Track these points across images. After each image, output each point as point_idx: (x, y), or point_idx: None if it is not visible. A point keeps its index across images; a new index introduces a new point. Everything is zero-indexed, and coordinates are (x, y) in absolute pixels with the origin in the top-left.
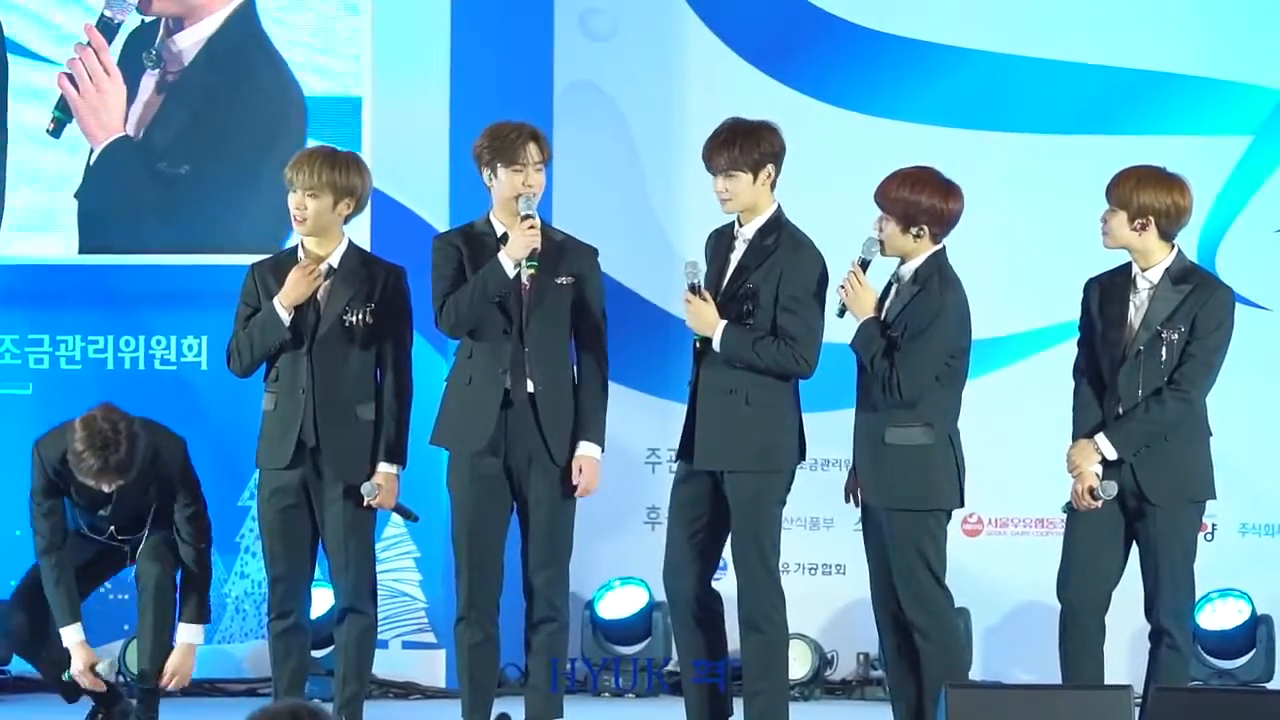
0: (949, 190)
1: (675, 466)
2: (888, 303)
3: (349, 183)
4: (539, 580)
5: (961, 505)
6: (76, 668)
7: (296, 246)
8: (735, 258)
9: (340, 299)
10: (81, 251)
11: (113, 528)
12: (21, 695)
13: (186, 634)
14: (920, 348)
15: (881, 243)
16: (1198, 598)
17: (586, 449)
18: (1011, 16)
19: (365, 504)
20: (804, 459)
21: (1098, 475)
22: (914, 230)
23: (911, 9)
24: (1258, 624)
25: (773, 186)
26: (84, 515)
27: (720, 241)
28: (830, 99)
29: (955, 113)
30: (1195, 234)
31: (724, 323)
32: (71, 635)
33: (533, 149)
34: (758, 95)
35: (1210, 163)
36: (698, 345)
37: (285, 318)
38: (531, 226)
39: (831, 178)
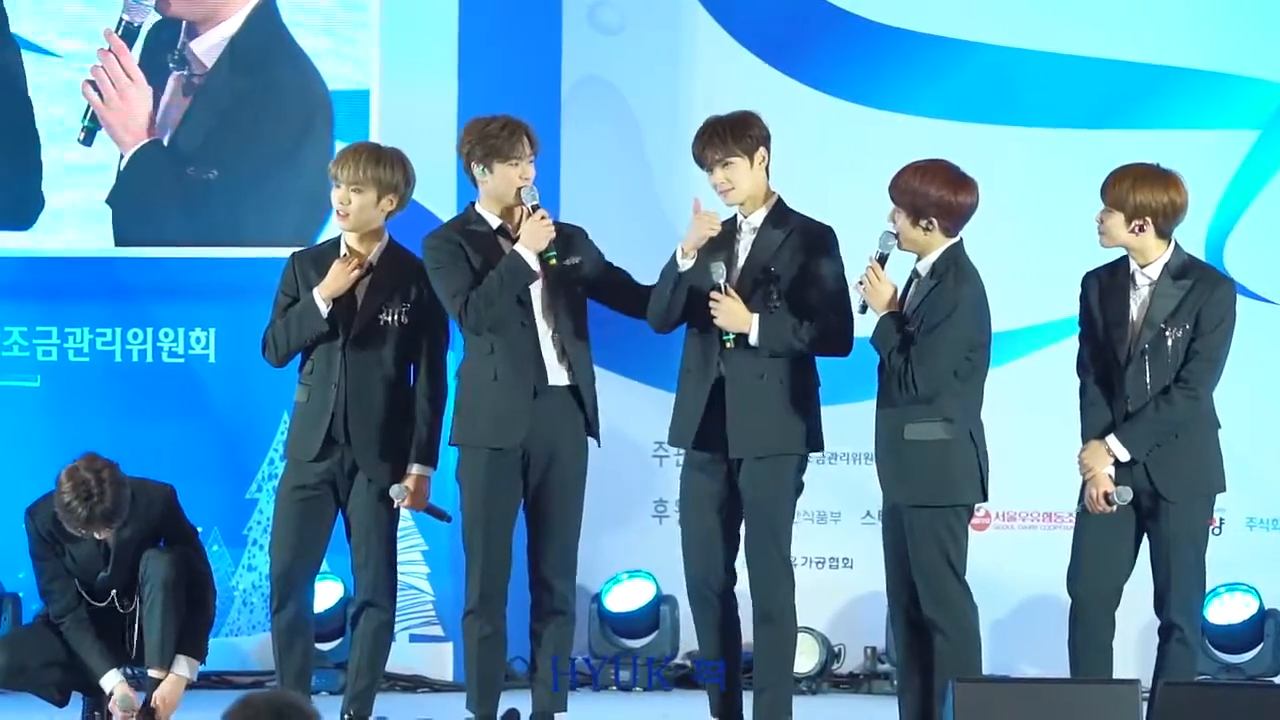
0: (959, 182)
1: (682, 460)
2: (908, 297)
3: (393, 179)
4: (554, 573)
5: (984, 500)
6: (119, 705)
7: (338, 238)
8: (744, 250)
9: (378, 297)
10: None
11: (114, 592)
12: (14, 693)
13: (182, 666)
14: (935, 341)
15: (897, 236)
16: (1205, 592)
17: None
18: (1020, 11)
19: (395, 506)
20: (821, 449)
21: (1111, 477)
22: (923, 222)
23: (921, 3)
24: (1265, 618)
25: (767, 172)
26: (82, 582)
27: (720, 239)
28: (839, 93)
29: (964, 107)
30: (1202, 228)
31: (756, 316)
32: (110, 679)
33: (525, 142)
34: (766, 90)
35: (1217, 157)
36: (729, 345)
37: (324, 309)
38: (543, 217)
39: (841, 172)
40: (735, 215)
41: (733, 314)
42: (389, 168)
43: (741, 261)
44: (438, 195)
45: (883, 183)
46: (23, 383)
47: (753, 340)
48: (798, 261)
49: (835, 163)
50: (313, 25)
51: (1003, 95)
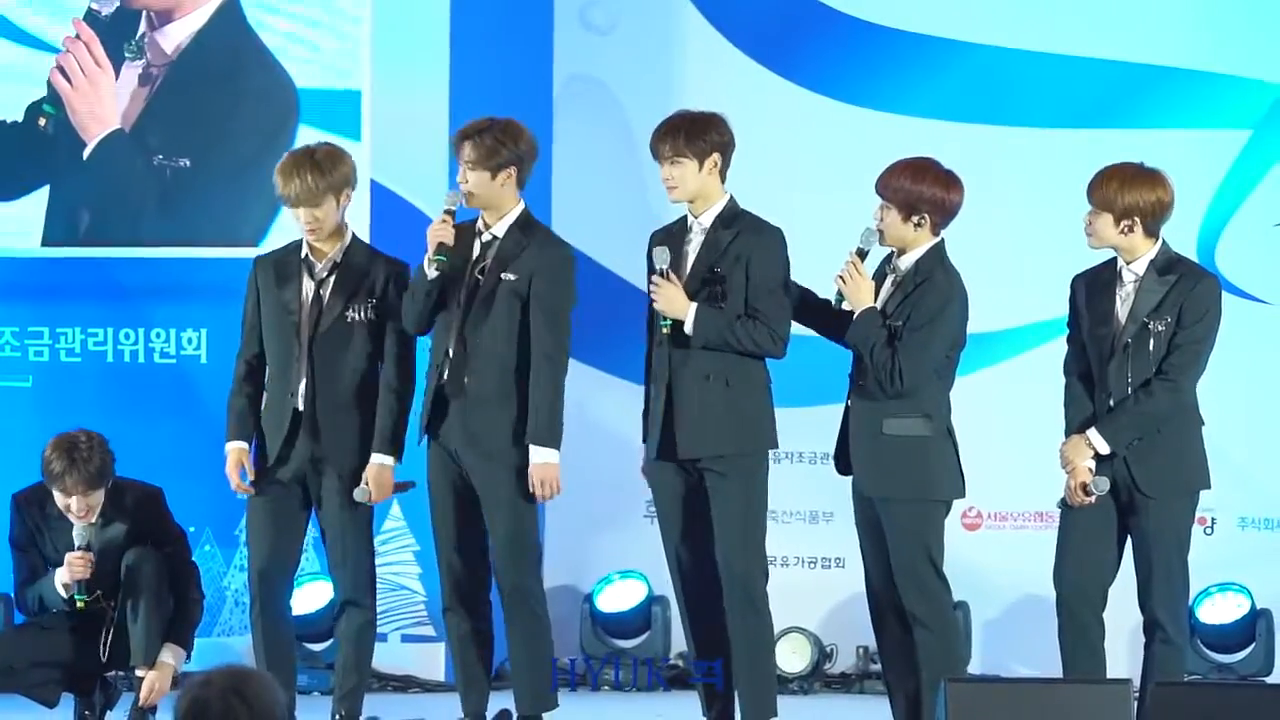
0: (950, 181)
1: (642, 460)
2: (884, 293)
3: (340, 177)
4: (501, 574)
5: (963, 496)
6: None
7: (299, 241)
8: (693, 249)
9: (343, 295)
10: (45, 243)
11: (100, 592)
12: (4, 694)
13: (170, 654)
14: (925, 338)
15: (881, 232)
16: (1197, 592)
17: (533, 454)
18: (1012, 10)
19: (362, 504)
20: (775, 446)
21: (1090, 470)
22: (915, 219)
23: (912, 3)
24: (1257, 618)
25: (722, 177)
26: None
27: (671, 237)
28: (830, 93)
29: (955, 107)
30: (1194, 228)
31: (695, 304)
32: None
33: (464, 149)
34: (757, 89)
35: (1209, 157)
36: (666, 331)
37: (431, 273)
38: (444, 221)
39: (832, 172)
40: (684, 217)
41: (671, 299)
42: (332, 169)
43: (690, 261)
44: (429, 195)
45: (874, 182)
46: (14, 383)
47: (687, 328)
48: (742, 262)
49: (826, 162)
50: (304, 24)
51: (995, 95)
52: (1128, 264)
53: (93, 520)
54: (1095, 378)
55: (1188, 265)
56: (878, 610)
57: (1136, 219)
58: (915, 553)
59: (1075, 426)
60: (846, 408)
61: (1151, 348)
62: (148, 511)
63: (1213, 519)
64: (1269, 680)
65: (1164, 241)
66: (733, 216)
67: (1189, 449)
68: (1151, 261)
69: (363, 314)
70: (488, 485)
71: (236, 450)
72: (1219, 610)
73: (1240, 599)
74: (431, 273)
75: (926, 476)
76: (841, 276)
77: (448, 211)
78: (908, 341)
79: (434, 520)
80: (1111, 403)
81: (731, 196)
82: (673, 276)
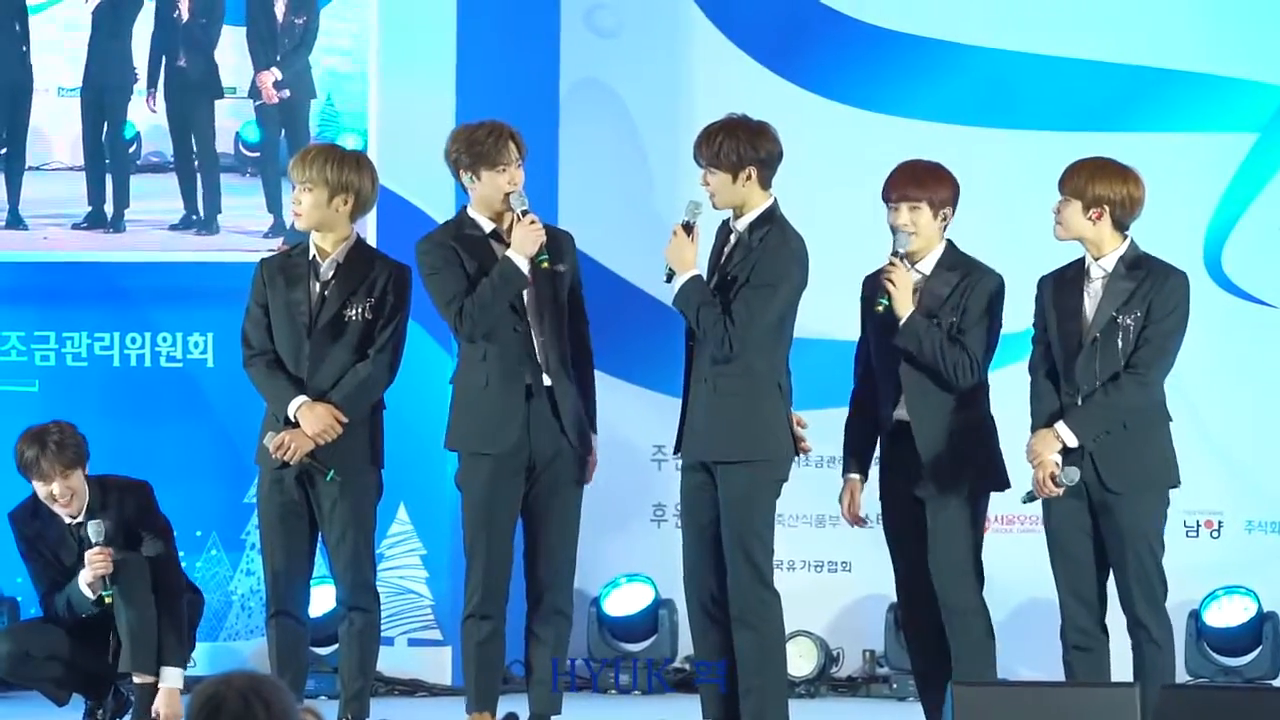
0: (949, 173)
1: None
2: (916, 296)
3: (343, 179)
4: (551, 574)
5: (1009, 486)
6: None
7: (306, 243)
8: (727, 250)
9: (341, 294)
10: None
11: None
12: (16, 693)
13: (168, 677)
14: (981, 332)
15: (913, 235)
16: (1204, 595)
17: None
18: (1017, 13)
19: (278, 456)
20: (798, 454)
21: (1057, 463)
22: (944, 211)
23: (918, 6)
24: (1264, 621)
25: (765, 185)
26: (63, 584)
27: (721, 233)
28: (836, 96)
29: (961, 110)
30: (1201, 231)
31: (697, 271)
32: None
33: (512, 148)
34: (764, 92)
35: (1216, 160)
36: (665, 279)
37: (524, 266)
38: (533, 222)
39: (837, 174)
40: (727, 219)
41: (680, 251)
42: (338, 168)
43: (723, 261)
44: (435, 197)
45: (879, 185)
46: (21, 388)
47: (674, 285)
48: (749, 269)
49: (831, 165)
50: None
51: (1000, 98)
52: (1095, 260)
53: (74, 510)
54: (1062, 372)
55: (1156, 262)
56: (910, 620)
57: (1105, 209)
58: (964, 553)
59: (1042, 421)
60: (893, 418)
61: (1120, 342)
62: (135, 503)
63: (1219, 522)
64: (1276, 683)
65: (1132, 240)
66: (765, 223)
67: (1156, 446)
68: (1120, 258)
69: (360, 313)
70: (562, 473)
71: (304, 402)
72: (1226, 613)
73: (1247, 602)
74: (528, 270)
75: (980, 468)
76: (891, 280)
77: (526, 212)
78: (970, 337)
79: (487, 529)
80: (1080, 398)
81: (774, 201)
82: (696, 232)
